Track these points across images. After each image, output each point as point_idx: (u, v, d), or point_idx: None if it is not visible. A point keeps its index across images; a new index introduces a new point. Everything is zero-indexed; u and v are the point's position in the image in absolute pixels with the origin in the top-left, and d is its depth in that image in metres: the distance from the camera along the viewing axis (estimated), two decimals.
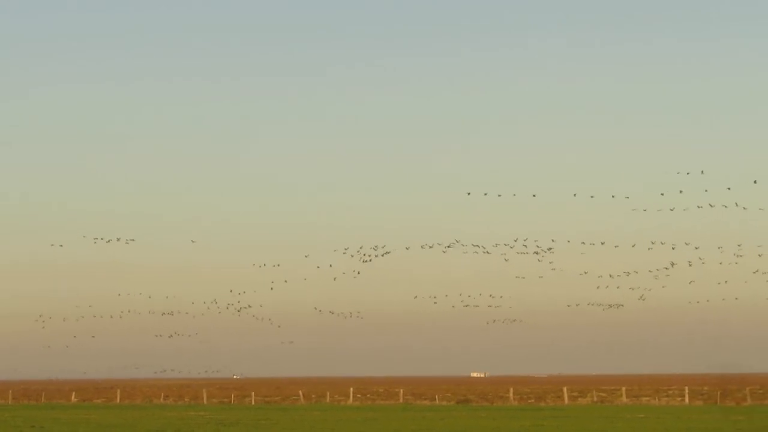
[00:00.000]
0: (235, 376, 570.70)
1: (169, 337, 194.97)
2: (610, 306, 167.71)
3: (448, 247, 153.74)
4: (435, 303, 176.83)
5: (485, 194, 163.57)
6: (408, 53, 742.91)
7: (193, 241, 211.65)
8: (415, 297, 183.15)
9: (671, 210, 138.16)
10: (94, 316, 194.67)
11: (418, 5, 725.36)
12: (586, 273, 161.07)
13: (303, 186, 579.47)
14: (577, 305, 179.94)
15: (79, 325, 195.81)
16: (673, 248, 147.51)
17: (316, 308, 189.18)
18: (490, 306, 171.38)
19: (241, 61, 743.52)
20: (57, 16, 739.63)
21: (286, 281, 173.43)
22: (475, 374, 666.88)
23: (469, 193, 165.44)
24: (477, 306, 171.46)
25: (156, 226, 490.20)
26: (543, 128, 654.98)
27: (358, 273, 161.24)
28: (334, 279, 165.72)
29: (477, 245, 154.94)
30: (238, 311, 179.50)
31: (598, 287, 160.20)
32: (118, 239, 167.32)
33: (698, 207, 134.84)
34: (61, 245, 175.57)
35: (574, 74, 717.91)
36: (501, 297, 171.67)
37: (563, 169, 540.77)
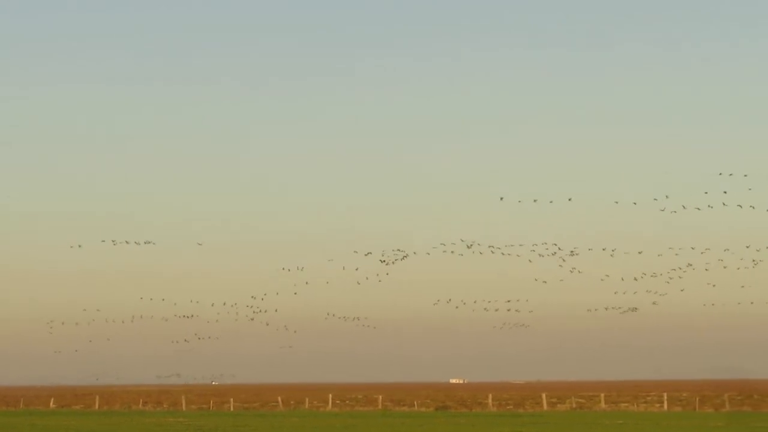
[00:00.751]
0: (213, 382, 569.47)
1: (185, 341, 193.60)
2: (627, 310, 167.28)
3: (469, 247, 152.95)
4: (456, 308, 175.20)
5: (519, 201, 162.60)
6: (408, 53, 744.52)
7: (199, 244, 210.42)
8: (434, 303, 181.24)
9: (698, 209, 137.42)
10: (106, 321, 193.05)
11: (418, 5, 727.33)
12: (608, 276, 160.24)
13: (303, 187, 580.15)
14: (596, 310, 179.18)
15: (90, 329, 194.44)
16: (701, 253, 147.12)
17: (328, 313, 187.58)
18: (509, 310, 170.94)
19: (241, 61, 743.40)
20: (57, 16, 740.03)
21: (307, 283, 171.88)
22: (454, 380, 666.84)
23: (501, 198, 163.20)
24: (497, 310, 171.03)
25: (160, 228, 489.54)
26: (543, 128, 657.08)
27: (386, 274, 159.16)
28: (358, 283, 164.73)
29: (492, 246, 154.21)
30: (254, 314, 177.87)
31: (615, 292, 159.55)
32: (136, 242, 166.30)
33: (723, 204, 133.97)
34: (80, 245, 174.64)
35: (574, 74, 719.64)
36: (518, 300, 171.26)
37: (563, 170, 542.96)
